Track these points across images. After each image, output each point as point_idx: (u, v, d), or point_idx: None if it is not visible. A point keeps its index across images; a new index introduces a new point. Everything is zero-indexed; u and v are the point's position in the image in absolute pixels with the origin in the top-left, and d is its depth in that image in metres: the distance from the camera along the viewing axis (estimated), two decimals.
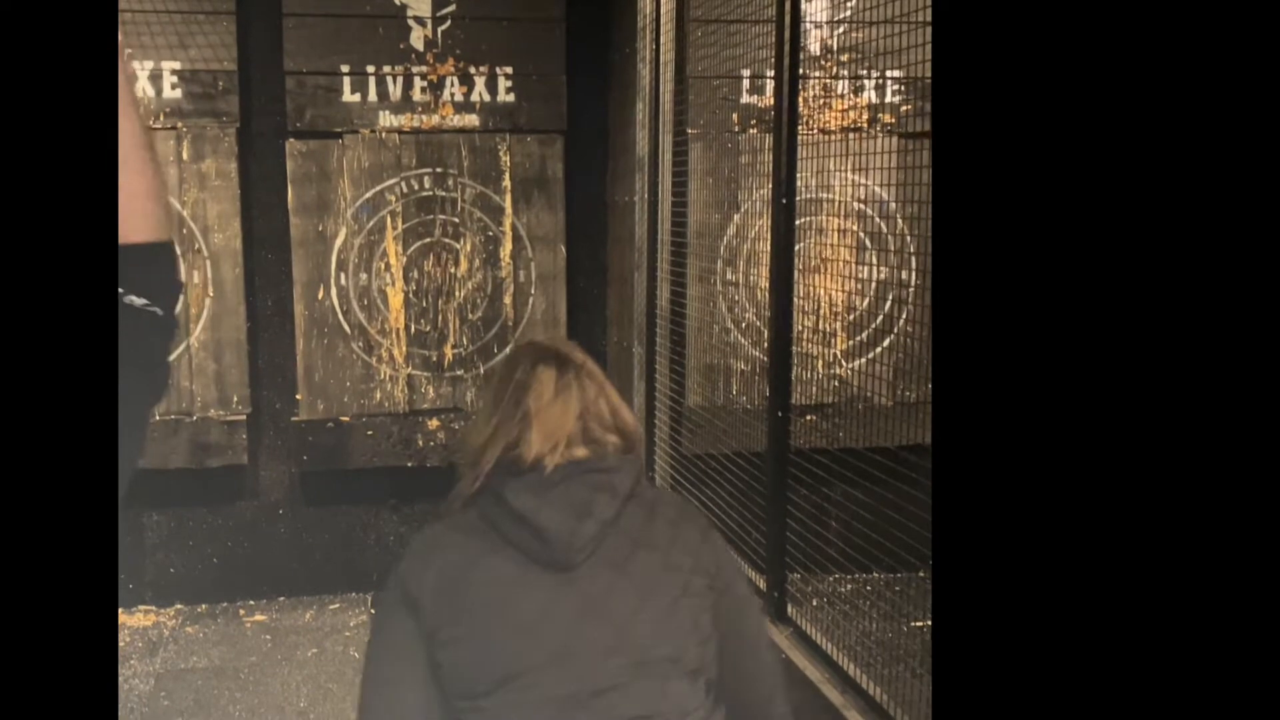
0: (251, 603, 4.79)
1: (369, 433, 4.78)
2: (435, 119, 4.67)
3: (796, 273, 3.46)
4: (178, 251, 1.23)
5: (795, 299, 3.44)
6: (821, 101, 4.38)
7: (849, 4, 4.26)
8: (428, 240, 4.76)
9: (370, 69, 4.61)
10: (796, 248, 3.47)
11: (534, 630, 1.41)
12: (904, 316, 3.87)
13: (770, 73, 3.26)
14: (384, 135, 4.64)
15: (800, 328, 3.59)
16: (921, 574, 3.17)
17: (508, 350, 4.83)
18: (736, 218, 4.40)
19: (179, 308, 1.25)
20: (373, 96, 4.62)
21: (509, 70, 4.69)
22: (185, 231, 4.53)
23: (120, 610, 4.59)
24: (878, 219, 4.20)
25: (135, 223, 1.11)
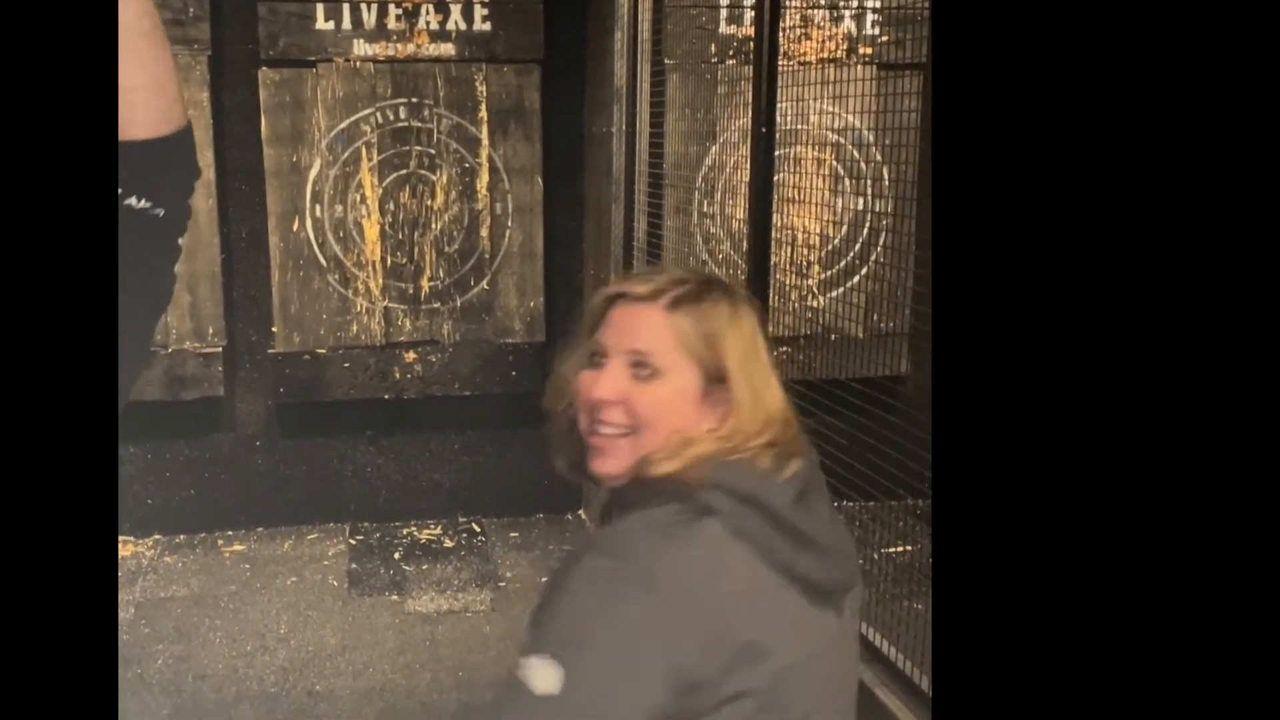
0: (230, 533, 4.81)
1: (345, 365, 4.78)
2: (410, 48, 4.61)
3: (773, 203, 3.47)
4: (194, 139, 1.14)
5: (772, 230, 3.45)
6: (800, 32, 4.35)
7: None
8: (403, 172, 4.72)
9: None
10: (774, 179, 3.47)
11: None
12: (879, 246, 3.89)
13: (749, 1, 3.24)
14: (358, 64, 4.59)
15: (776, 259, 3.60)
16: (893, 501, 3.21)
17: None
18: (714, 149, 4.39)
19: (192, 197, 1.16)
20: (347, 24, 4.56)
21: None
22: None
23: None
24: (854, 150, 4.21)
25: (137, 117, 1.04)
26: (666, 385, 1.18)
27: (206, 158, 4.52)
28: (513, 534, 4.89)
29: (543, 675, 1.03)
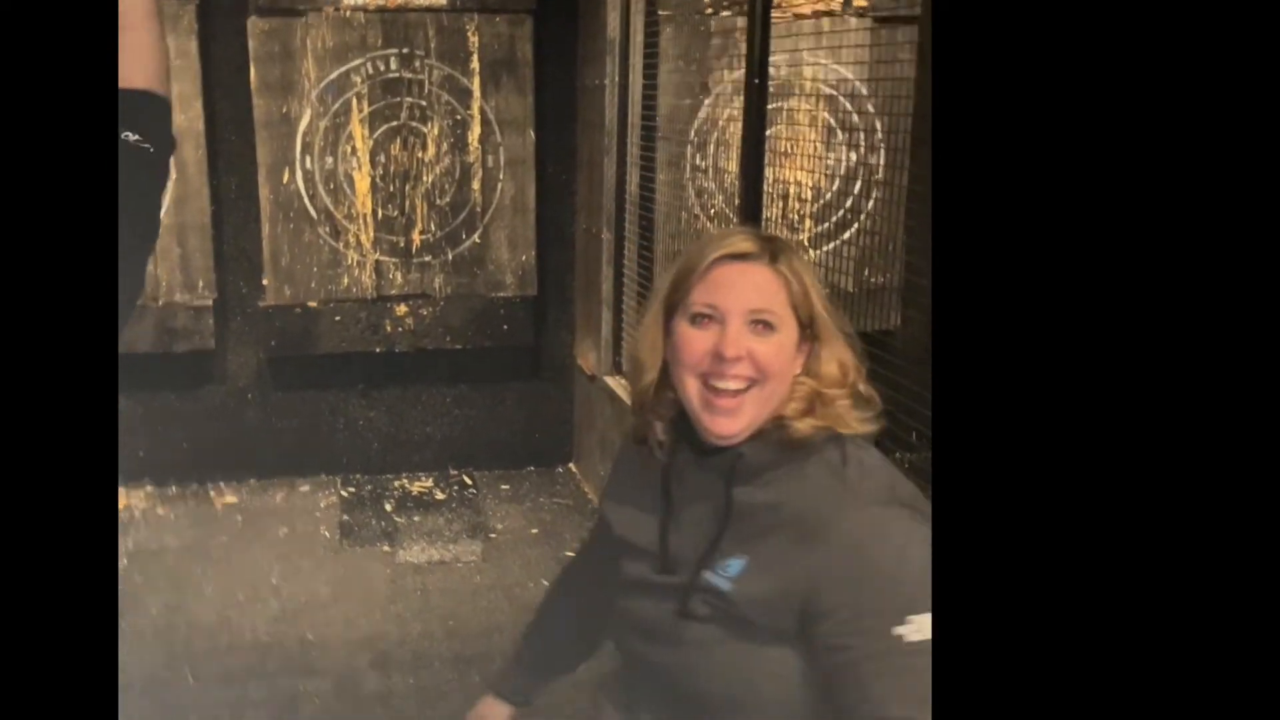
0: (222, 484, 4.83)
1: (337, 318, 4.77)
2: None
3: (766, 157, 3.45)
4: (172, 107, 1.25)
5: (765, 185, 3.43)
6: None
7: None
8: (394, 123, 4.69)
9: None
10: (767, 133, 3.45)
11: None
12: (872, 199, 3.88)
13: None
14: (348, 13, 4.54)
15: (769, 214, 3.59)
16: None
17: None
18: (707, 102, 4.36)
19: (170, 163, 1.25)
20: None
21: None
22: None
23: None
24: (847, 103, 4.19)
25: (130, 71, 1.13)
26: (780, 337, 1.23)
27: (195, 108, 4.49)
28: (504, 486, 4.92)
29: (920, 627, 1.10)
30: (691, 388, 1.24)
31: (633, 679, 1.36)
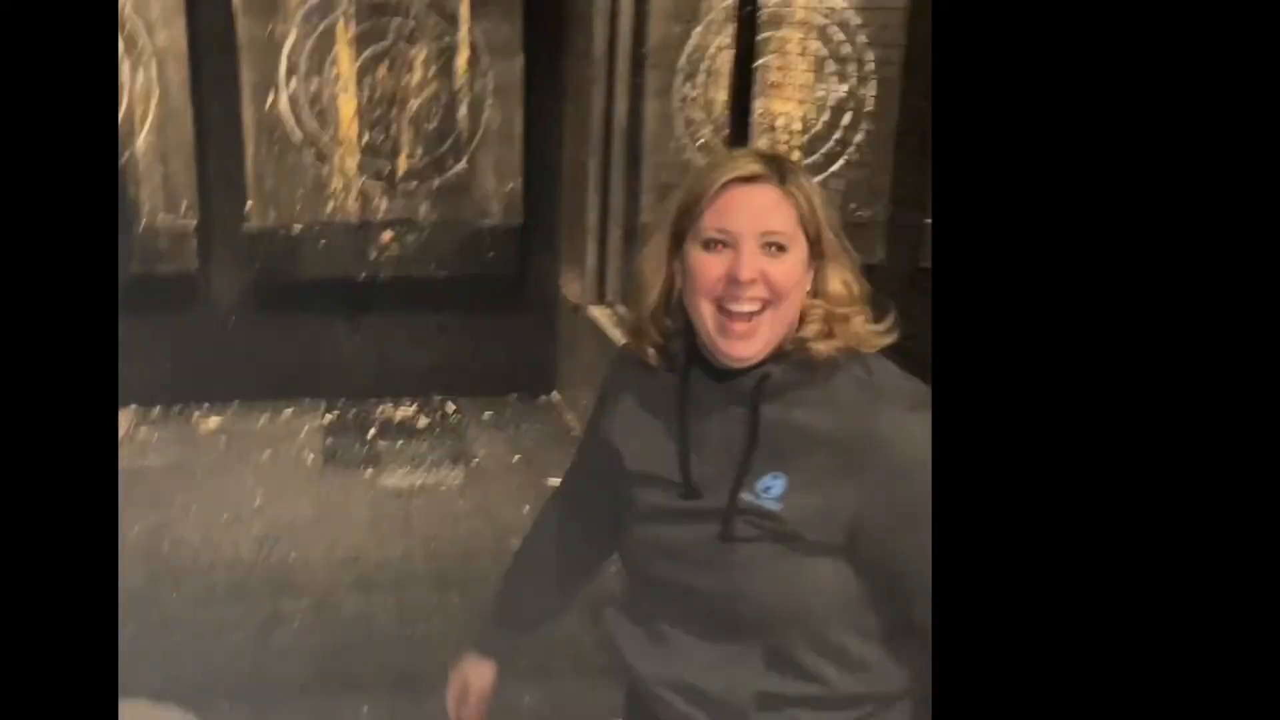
0: (206, 406, 4.83)
1: (321, 243, 4.75)
2: None
3: (755, 88, 3.43)
4: None
5: (752, 116, 3.42)
6: None
7: None
8: (381, 46, 4.63)
9: None
10: (757, 63, 3.43)
11: None
12: (861, 131, 3.87)
13: None
14: None
15: (757, 146, 3.58)
16: None
17: None
18: (698, 31, 4.32)
19: None
20: None
21: None
22: (128, 30, 4.37)
23: None
24: (839, 32, 4.15)
25: None
26: (793, 258, 1.23)
27: (177, 26, 4.42)
28: (486, 414, 4.93)
29: None
30: (706, 312, 1.24)
31: (653, 597, 1.35)
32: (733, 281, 1.21)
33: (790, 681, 1.26)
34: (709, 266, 1.23)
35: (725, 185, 1.23)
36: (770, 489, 1.22)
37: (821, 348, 1.23)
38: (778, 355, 1.24)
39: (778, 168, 1.25)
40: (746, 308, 1.22)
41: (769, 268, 1.21)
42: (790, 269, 1.22)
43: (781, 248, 1.22)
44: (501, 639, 1.62)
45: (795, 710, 1.27)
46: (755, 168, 1.24)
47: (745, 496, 1.23)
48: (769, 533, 1.22)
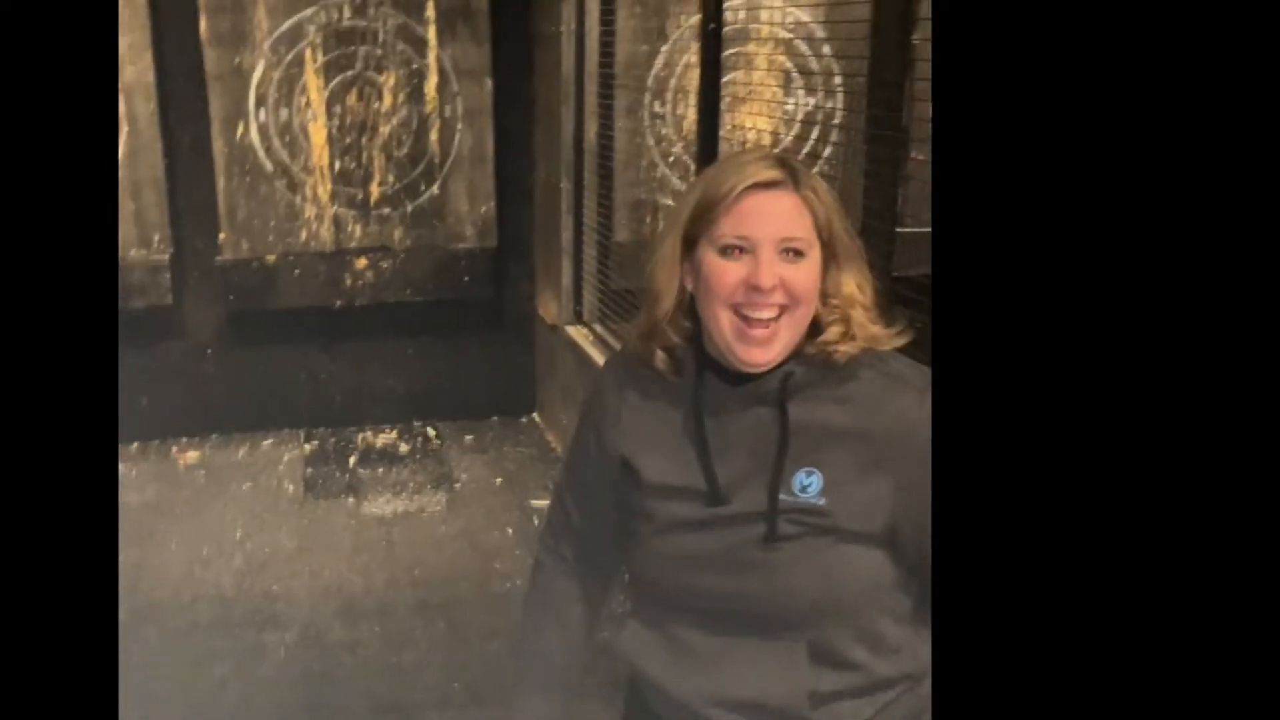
0: (185, 440, 4.80)
1: (296, 272, 4.74)
2: None
3: (724, 103, 3.44)
4: None
5: (721, 131, 3.43)
6: None
7: None
8: (350, 74, 4.64)
9: None
10: (725, 79, 3.44)
11: None
12: (830, 144, 3.89)
13: None
14: None
15: None
16: None
17: None
18: (665, 49, 4.34)
19: None
20: None
21: None
22: None
23: None
24: (804, 46, 4.18)
25: None
26: (810, 263, 1.24)
27: (145, 60, 4.41)
28: (467, 437, 4.92)
29: None
30: (724, 318, 1.23)
31: (678, 610, 1.33)
32: (753, 289, 1.21)
33: (833, 674, 1.27)
34: (727, 273, 1.22)
35: (743, 191, 1.23)
36: (809, 486, 1.23)
37: (844, 349, 1.25)
38: (800, 354, 1.26)
39: (793, 172, 1.25)
40: (766, 314, 1.22)
41: (788, 273, 1.22)
42: (808, 274, 1.23)
43: (799, 253, 1.23)
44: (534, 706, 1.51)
45: (838, 702, 1.28)
46: (773, 173, 1.24)
47: (783, 496, 1.24)
48: (812, 528, 1.23)
